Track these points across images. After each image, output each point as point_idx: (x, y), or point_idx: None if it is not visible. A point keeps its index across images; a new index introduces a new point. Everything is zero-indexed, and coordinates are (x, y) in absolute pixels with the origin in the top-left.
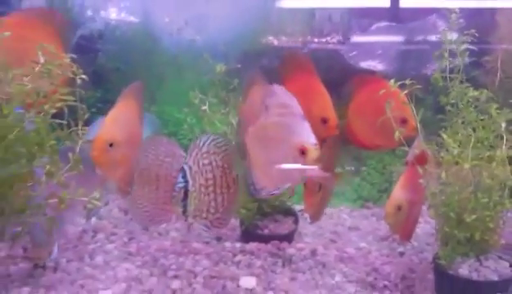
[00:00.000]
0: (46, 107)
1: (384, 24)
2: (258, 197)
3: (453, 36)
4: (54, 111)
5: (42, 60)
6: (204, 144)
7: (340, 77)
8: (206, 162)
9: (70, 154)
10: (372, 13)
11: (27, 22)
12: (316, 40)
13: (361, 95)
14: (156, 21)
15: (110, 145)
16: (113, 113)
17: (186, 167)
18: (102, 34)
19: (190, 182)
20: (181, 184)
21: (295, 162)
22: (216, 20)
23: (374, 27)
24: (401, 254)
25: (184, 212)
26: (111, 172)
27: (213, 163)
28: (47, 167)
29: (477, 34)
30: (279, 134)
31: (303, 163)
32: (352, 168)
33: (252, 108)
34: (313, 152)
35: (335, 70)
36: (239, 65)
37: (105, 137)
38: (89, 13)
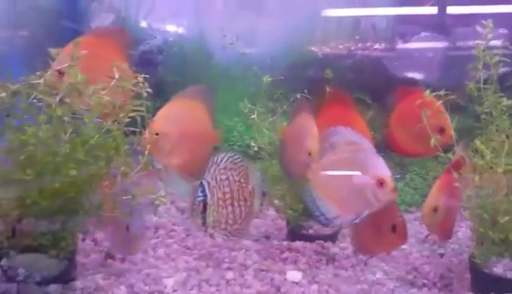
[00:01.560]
0: (121, 116)
1: (426, 33)
2: (330, 226)
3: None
4: (127, 120)
5: (116, 75)
6: (221, 161)
7: (383, 86)
8: (223, 177)
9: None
10: (418, 20)
11: (100, 41)
12: (360, 49)
13: (403, 105)
14: (210, 37)
15: (156, 134)
16: (163, 109)
17: (204, 183)
18: (161, 50)
19: (209, 196)
20: (200, 198)
21: (374, 193)
22: (265, 33)
23: (416, 37)
24: (442, 255)
25: (204, 224)
26: (164, 160)
27: (230, 178)
28: (122, 168)
29: None
30: (353, 169)
31: (382, 194)
32: (398, 176)
33: (295, 132)
34: (391, 183)
35: (378, 79)
36: (282, 77)
37: (152, 127)
38: (150, 30)
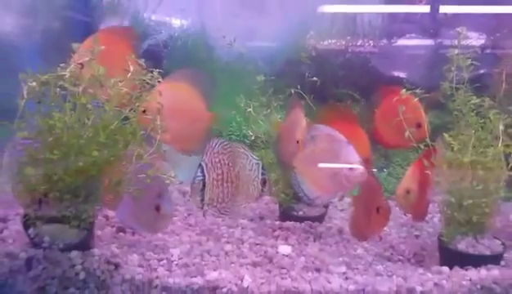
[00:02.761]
0: (136, 105)
1: (416, 32)
2: (312, 204)
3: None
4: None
5: (131, 69)
6: (215, 146)
7: (371, 83)
8: (217, 160)
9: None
10: (412, 18)
11: (111, 38)
12: (351, 47)
13: (385, 103)
14: (212, 32)
15: (144, 111)
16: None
17: (203, 164)
18: (167, 44)
19: (207, 176)
20: (199, 178)
21: (346, 176)
22: (263, 31)
23: (405, 36)
24: (417, 236)
25: (202, 201)
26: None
27: (222, 161)
28: (137, 150)
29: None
30: (329, 157)
31: (353, 177)
32: (385, 170)
33: (288, 127)
34: (360, 168)
35: (367, 77)
36: (273, 77)
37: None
38: (156, 25)
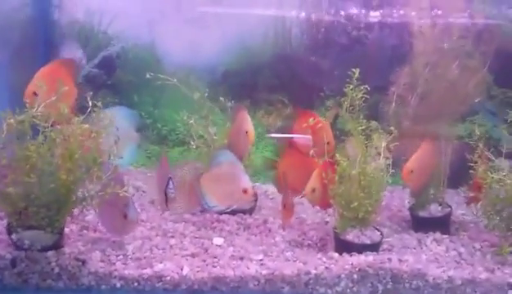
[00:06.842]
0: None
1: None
2: (210, 210)
3: None
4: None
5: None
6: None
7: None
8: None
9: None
10: None
11: (59, 71)
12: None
13: (299, 122)
14: (159, 46)
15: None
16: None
17: (171, 176)
18: (119, 55)
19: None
20: (171, 189)
21: (240, 196)
22: (204, 44)
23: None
24: (326, 223)
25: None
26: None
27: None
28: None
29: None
30: (229, 179)
31: (245, 198)
32: None
33: (236, 131)
34: (250, 191)
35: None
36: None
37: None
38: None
